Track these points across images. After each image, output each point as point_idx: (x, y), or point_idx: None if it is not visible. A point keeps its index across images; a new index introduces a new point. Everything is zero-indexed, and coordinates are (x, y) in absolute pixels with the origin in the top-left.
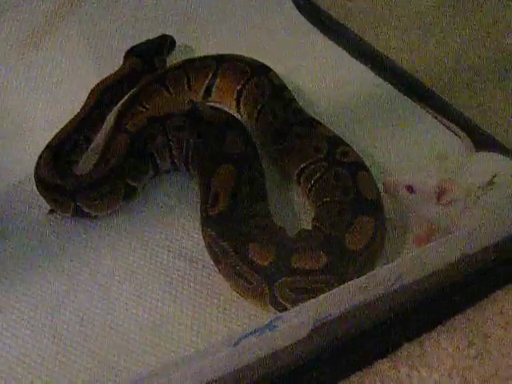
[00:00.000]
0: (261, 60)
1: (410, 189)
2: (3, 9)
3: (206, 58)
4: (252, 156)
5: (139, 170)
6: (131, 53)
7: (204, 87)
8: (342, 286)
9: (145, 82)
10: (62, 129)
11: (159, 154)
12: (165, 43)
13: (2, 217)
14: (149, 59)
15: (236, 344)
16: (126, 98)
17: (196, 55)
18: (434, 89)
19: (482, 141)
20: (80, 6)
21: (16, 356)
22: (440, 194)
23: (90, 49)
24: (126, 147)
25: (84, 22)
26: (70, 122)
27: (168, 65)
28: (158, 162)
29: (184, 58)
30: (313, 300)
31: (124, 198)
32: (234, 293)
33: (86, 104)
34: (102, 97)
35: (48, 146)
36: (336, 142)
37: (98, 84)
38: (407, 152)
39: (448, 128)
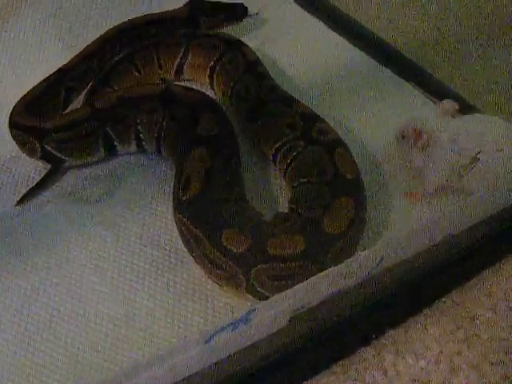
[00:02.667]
0: (234, 34)
1: (403, 135)
2: None
3: (175, 34)
4: (227, 137)
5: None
6: (188, 2)
7: (175, 65)
8: (320, 274)
9: (114, 61)
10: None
11: (118, 135)
12: (227, 9)
13: None
14: (195, 16)
15: (208, 341)
16: (94, 79)
17: None
18: (414, 59)
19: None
20: None
21: None
22: (415, 138)
23: (55, 27)
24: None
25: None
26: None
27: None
28: (116, 143)
29: None
30: (289, 290)
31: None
32: (210, 282)
33: (81, 52)
34: (105, 44)
35: (27, 93)
36: (312, 118)
37: (122, 23)
38: (386, 122)
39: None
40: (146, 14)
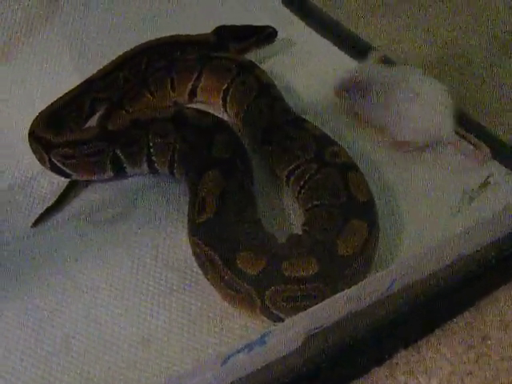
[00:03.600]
0: (247, 56)
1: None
2: None
3: (188, 57)
4: (241, 160)
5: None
6: (218, 28)
7: (189, 88)
8: (335, 296)
9: (128, 84)
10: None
11: (128, 157)
12: (254, 33)
13: None
14: (224, 41)
15: (224, 363)
16: (109, 102)
17: None
18: None
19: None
20: (55, 11)
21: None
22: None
23: (69, 52)
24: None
25: (60, 26)
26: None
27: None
28: (125, 165)
29: None
30: (304, 312)
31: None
32: (225, 303)
33: (107, 65)
34: (133, 56)
35: (51, 104)
36: (325, 141)
37: (148, 41)
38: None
39: None
40: (173, 34)
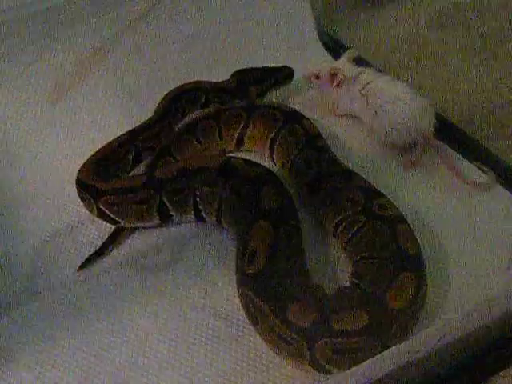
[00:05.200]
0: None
1: (317, 76)
2: (31, 60)
3: (236, 106)
4: (289, 211)
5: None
6: (236, 73)
7: (236, 136)
8: (384, 353)
9: (176, 132)
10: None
11: (175, 205)
12: (273, 74)
13: (33, 274)
14: (244, 85)
15: None
16: (157, 149)
17: None
18: (465, 130)
19: None
20: (105, 57)
21: None
22: (332, 77)
23: (117, 97)
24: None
25: (110, 72)
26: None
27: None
28: (172, 213)
29: None
30: (354, 368)
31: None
32: (272, 353)
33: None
34: (170, 105)
35: (97, 152)
36: (373, 193)
37: (175, 88)
38: (441, 204)
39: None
40: (196, 81)
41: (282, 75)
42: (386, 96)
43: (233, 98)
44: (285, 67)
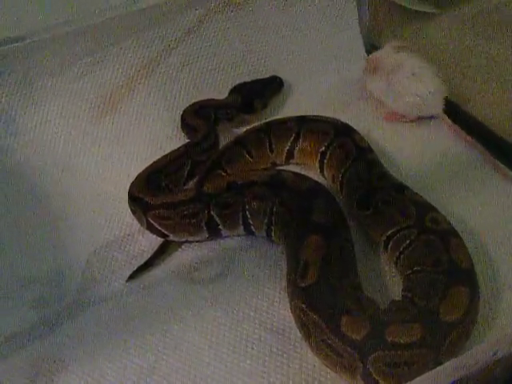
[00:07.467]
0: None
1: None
2: (81, 75)
3: (287, 119)
4: (340, 225)
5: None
6: (235, 89)
7: (286, 150)
8: (439, 368)
9: (226, 145)
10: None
11: (224, 219)
12: (269, 85)
13: (84, 286)
14: (250, 99)
15: None
16: (208, 161)
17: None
18: None
19: None
20: (154, 71)
21: None
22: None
23: (167, 111)
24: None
25: (160, 85)
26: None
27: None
28: (220, 227)
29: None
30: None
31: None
32: (323, 366)
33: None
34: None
35: (151, 165)
36: (425, 207)
37: (191, 106)
38: (492, 214)
39: None
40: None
41: (276, 85)
42: (405, 71)
43: (240, 114)
44: (275, 77)
